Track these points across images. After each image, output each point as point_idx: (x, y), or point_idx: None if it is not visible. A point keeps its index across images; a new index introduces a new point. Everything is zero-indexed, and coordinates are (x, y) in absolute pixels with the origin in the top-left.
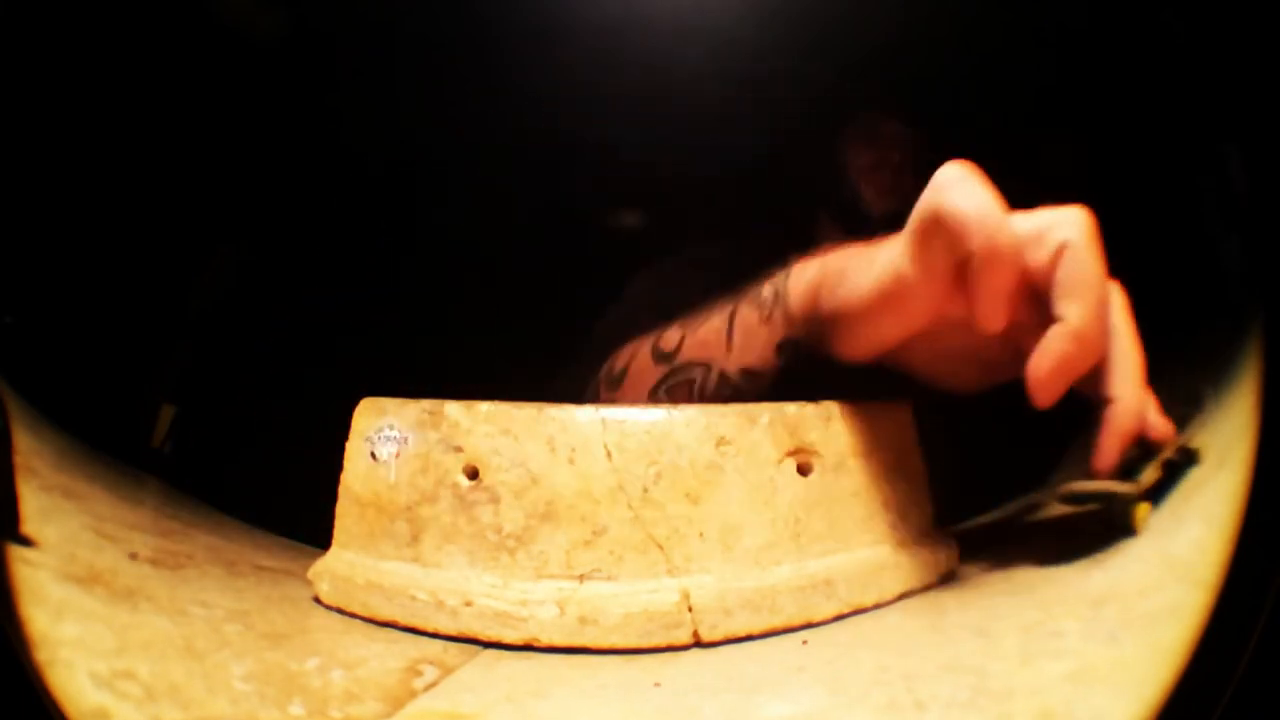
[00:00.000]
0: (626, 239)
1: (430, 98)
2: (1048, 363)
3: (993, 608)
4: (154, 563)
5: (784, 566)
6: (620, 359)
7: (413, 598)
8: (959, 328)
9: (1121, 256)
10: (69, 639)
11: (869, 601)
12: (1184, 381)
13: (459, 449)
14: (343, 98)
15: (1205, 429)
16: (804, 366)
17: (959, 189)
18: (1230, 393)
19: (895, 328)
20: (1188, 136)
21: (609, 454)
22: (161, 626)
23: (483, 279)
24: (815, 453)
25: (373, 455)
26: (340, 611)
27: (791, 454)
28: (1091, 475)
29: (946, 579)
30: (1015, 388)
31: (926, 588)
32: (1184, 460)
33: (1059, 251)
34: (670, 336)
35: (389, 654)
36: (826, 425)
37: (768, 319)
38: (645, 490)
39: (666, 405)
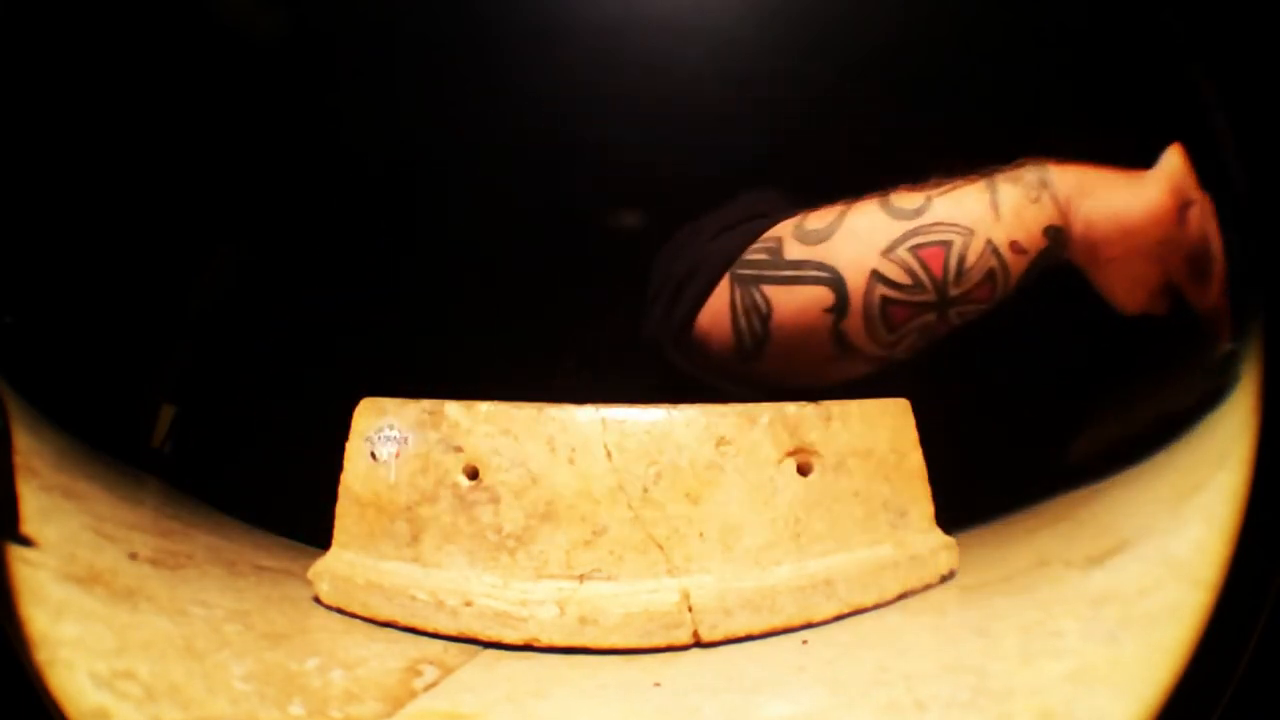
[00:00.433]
0: (626, 239)
1: (430, 98)
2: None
3: (993, 608)
4: (154, 563)
5: (784, 566)
6: (811, 219)
7: (413, 598)
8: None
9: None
10: (69, 639)
11: (869, 601)
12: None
13: (459, 449)
14: (343, 98)
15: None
16: (1047, 271)
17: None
18: (1230, 393)
19: (1152, 251)
20: (1188, 136)
21: (609, 454)
22: (161, 626)
23: (482, 279)
24: (815, 452)
25: (373, 455)
26: (340, 611)
27: (791, 454)
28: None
29: (946, 579)
30: (1015, 388)
31: (926, 587)
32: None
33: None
34: (906, 194)
35: (389, 654)
36: (826, 425)
37: (1036, 199)
38: (645, 490)
39: (666, 405)
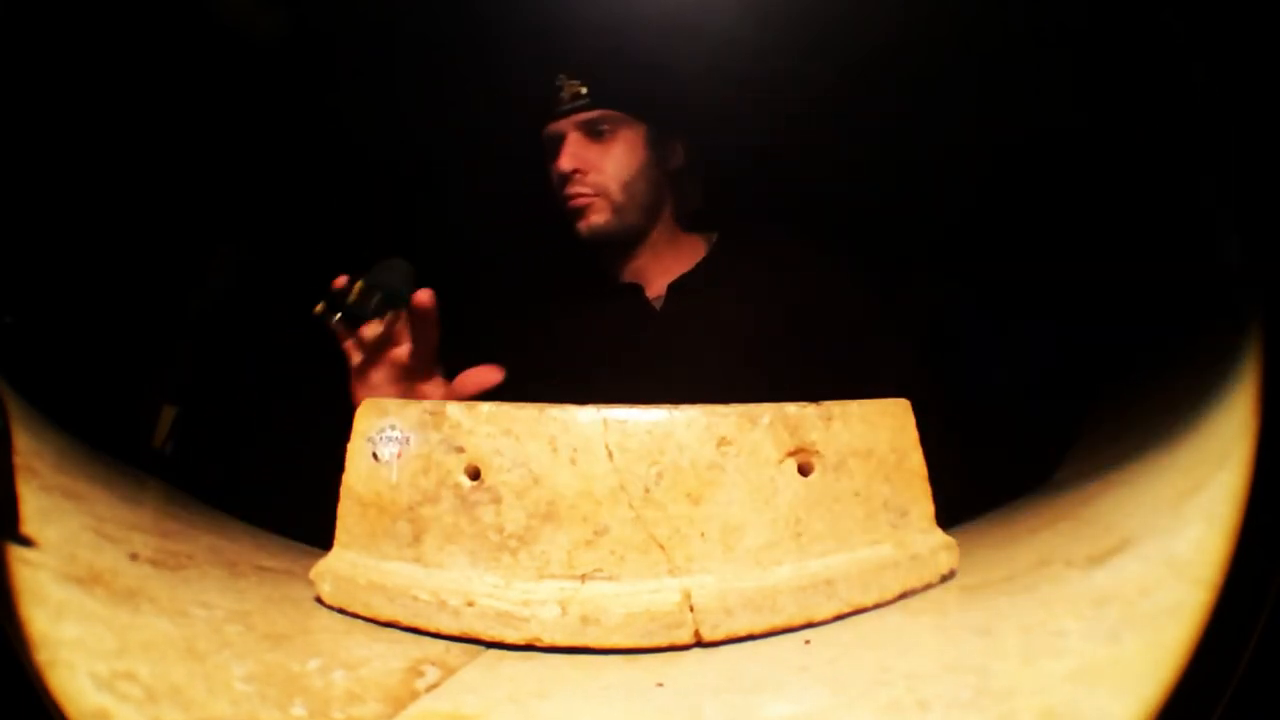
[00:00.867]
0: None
1: (430, 97)
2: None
3: (994, 607)
4: (155, 563)
5: (785, 566)
6: None
7: (415, 598)
8: None
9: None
10: (69, 640)
11: (870, 601)
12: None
13: (461, 449)
14: (343, 98)
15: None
16: None
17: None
18: (1230, 393)
19: None
20: (1189, 136)
21: (610, 454)
22: (162, 627)
23: (483, 279)
24: (816, 453)
25: (374, 456)
26: (342, 612)
27: (792, 454)
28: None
29: (947, 579)
30: (1015, 390)
31: (927, 587)
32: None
33: None
34: None
35: (391, 654)
36: (827, 425)
37: None
38: (647, 490)
39: (668, 405)
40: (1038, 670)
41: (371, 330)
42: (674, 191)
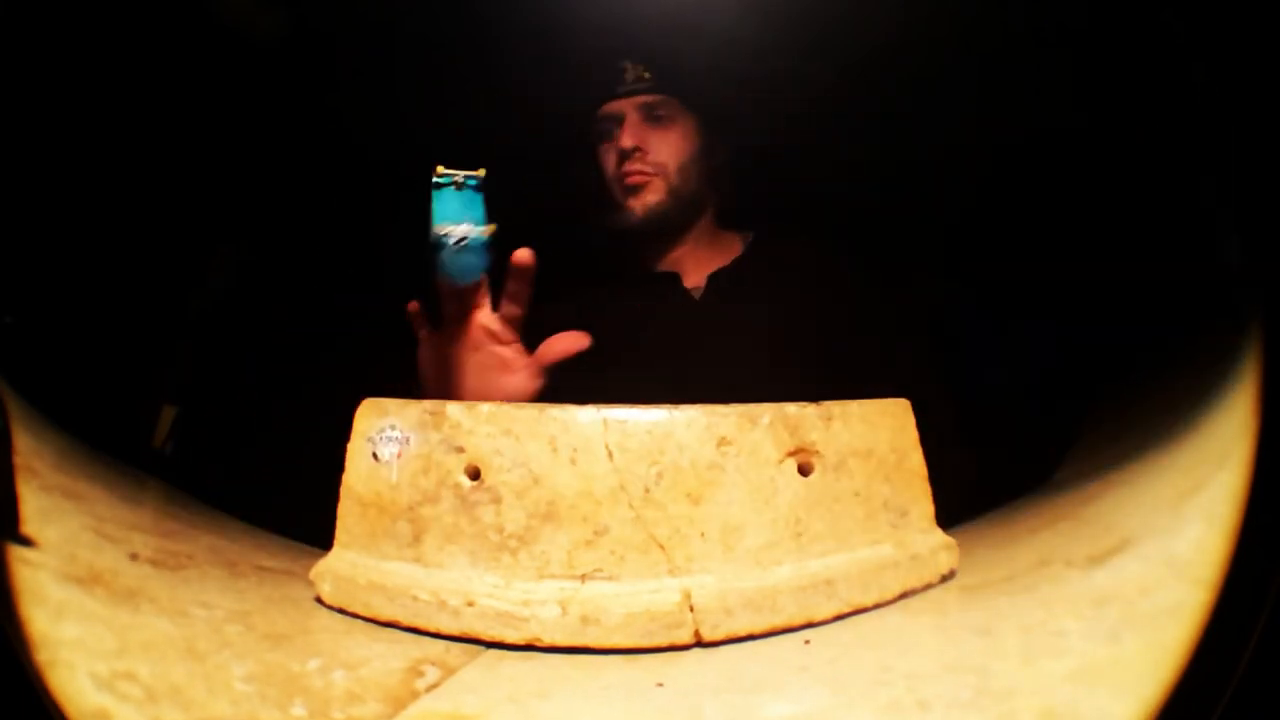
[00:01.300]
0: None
1: (430, 98)
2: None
3: (994, 607)
4: (155, 563)
5: (785, 566)
6: None
7: (415, 598)
8: None
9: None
10: (69, 640)
11: (869, 601)
12: None
13: (460, 449)
14: (343, 98)
15: None
16: None
17: None
18: (1230, 393)
19: None
20: (1189, 136)
21: (610, 454)
22: (162, 627)
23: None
24: (816, 453)
25: (374, 456)
26: (342, 612)
27: (792, 454)
28: None
29: (947, 578)
30: (1015, 390)
31: (927, 587)
32: None
33: None
34: None
35: (391, 654)
36: (827, 425)
37: None
38: (647, 490)
39: (668, 405)
40: (1038, 670)
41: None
42: (715, 186)
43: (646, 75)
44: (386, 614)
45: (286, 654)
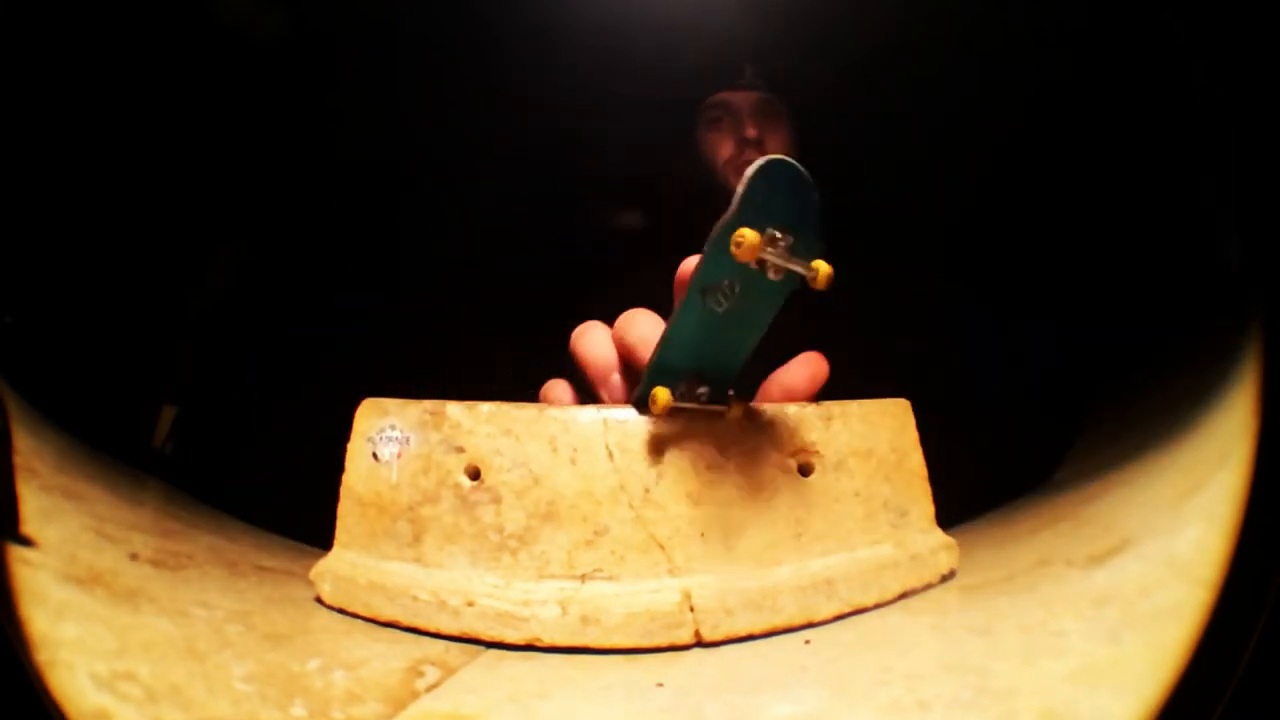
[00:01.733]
0: (627, 238)
1: (430, 98)
2: None
3: (994, 607)
4: (155, 563)
5: (785, 566)
6: None
7: (415, 598)
8: None
9: (1122, 256)
10: (69, 640)
11: (870, 601)
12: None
13: (461, 449)
14: (343, 98)
15: None
16: None
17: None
18: (1230, 393)
19: None
20: (1189, 135)
21: (610, 454)
22: (162, 627)
23: (483, 279)
24: (816, 453)
25: (374, 456)
26: (342, 612)
27: (792, 454)
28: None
29: (947, 578)
30: (1015, 392)
31: (927, 587)
32: None
33: None
34: None
35: (391, 654)
36: (827, 425)
37: None
38: (647, 490)
39: None
40: (1038, 670)
41: None
42: None
43: (759, 76)
44: (386, 614)
45: (287, 654)
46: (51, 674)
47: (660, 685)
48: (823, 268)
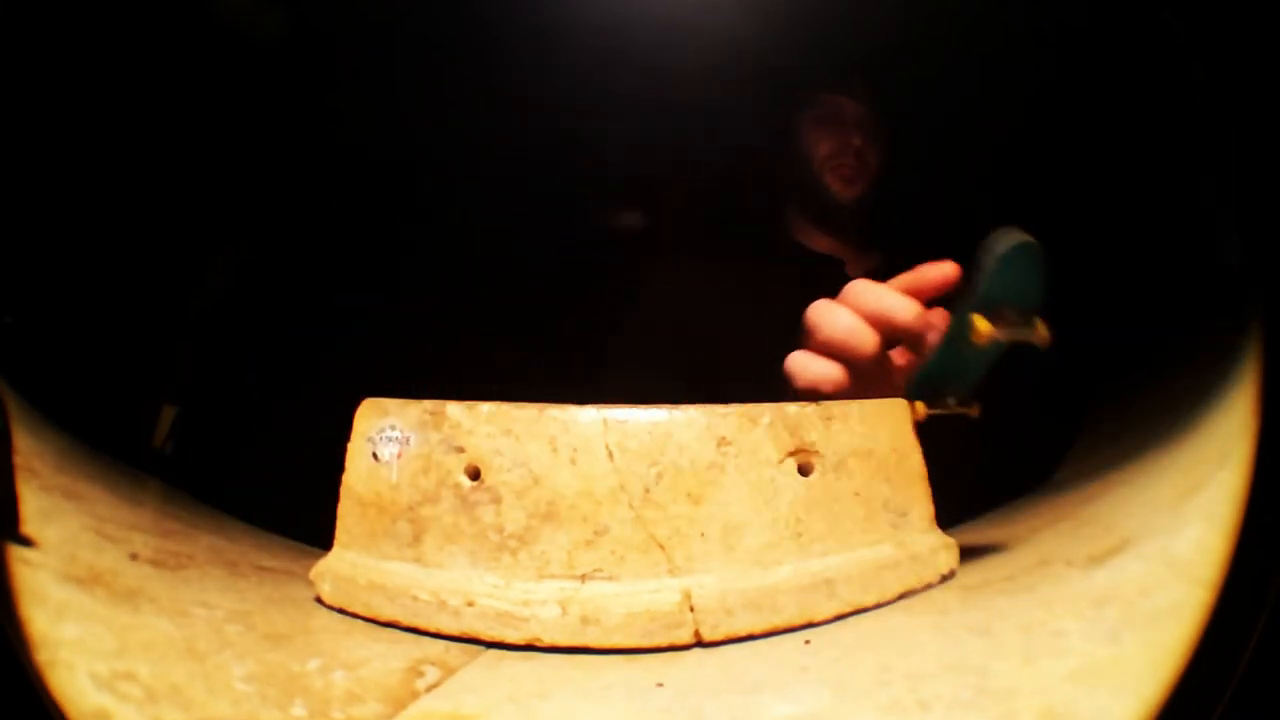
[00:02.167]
0: (628, 238)
1: (431, 99)
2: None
3: (994, 607)
4: (155, 563)
5: (785, 566)
6: None
7: (415, 598)
8: None
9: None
10: (69, 640)
11: (870, 601)
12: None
13: (461, 449)
14: (344, 99)
15: None
16: None
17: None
18: (1230, 393)
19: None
20: (1189, 136)
21: (610, 454)
22: (162, 627)
23: (484, 279)
24: (816, 453)
25: (374, 456)
26: (342, 612)
27: (792, 454)
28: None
29: (947, 579)
30: (1015, 392)
31: (927, 587)
32: None
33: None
34: None
35: (391, 654)
36: (827, 425)
37: None
38: (647, 490)
39: (668, 405)
40: (1038, 670)
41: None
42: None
43: (872, 92)
44: (386, 614)
45: (287, 654)
46: (51, 674)
47: (660, 685)
48: (1042, 328)
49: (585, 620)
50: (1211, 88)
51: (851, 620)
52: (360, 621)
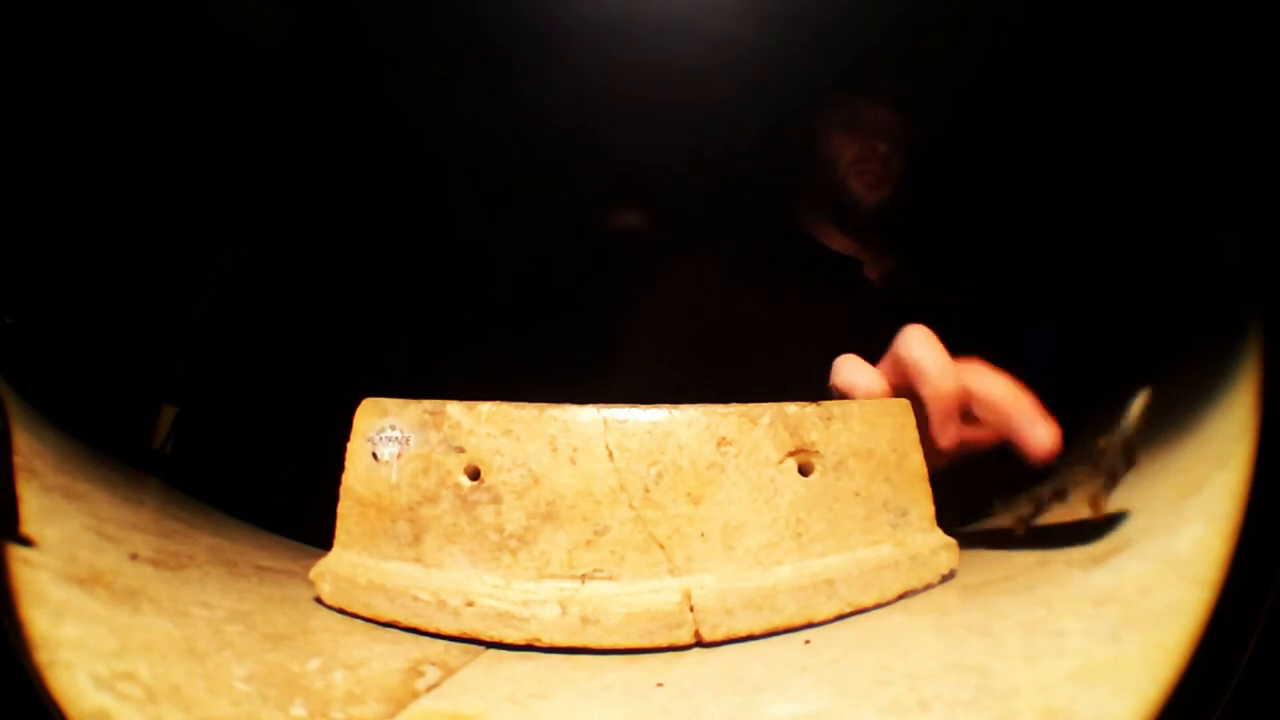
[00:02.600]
0: (628, 238)
1: (433, 100)
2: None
3: (995, 607)
4: (155, 563)
5: (785, 566)
6: None
7: (415, 598)
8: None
9: (1122, 256)
10: (70, 640)
11: (870, 601)
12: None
13: (460, 449)
14: (346, 100)
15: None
16: None
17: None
18: (1230, 393)
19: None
20: (1188, 136)
21: (610, 454)
22: (162, 627)
23: (484, 279)
24: (816, 453)
25: (374, 455)
26: (342, 612)
27: (792, 454)
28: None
29: (947, 578)
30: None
31: (927, 587)
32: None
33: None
34: None
35: (391, 655)
36: (827, 425)
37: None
38: (647, 490)
39: (668, 405)
40: (1038, 670)
41: None
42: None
43: (899, 97)
44: (386, 614)
45: (287, 654)
46: (51, 674)
47: (660, 685)
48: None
49: (585, 620)
50: (1211, 89)
51: (851, 620)
52: (360, 621)
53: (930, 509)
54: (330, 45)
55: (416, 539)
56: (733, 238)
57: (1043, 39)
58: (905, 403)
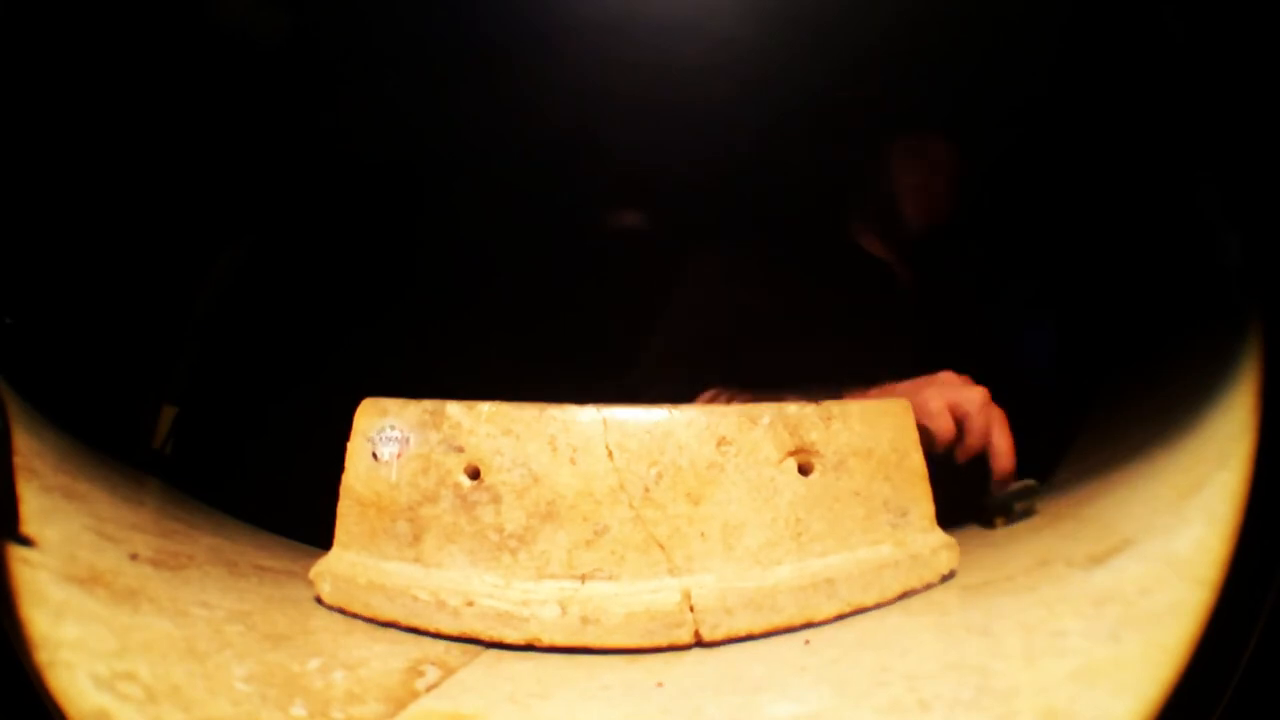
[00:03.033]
0: (628, 238)
1: (434, 100)
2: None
3: (995, 607)
4: (155, 563)
5: (785, 566)
6: None
7: (414, 598)
8: None
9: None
10: (70, 640)
11: (870, 601)
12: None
13: (460, 449)
14: (346, 100)
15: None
16: None
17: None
18: (1230, 393)
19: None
20: (1188, 136)
21: (610, 454)
22: (163, 627)
23: (484, 279)
24: (816, 453)
25: (374, 455)
26: (342, 612)
27: (792, 454)
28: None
29: (947, 578)
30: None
31: (927, 587)
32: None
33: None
34: None
35: (391, 654)
36: (827, 425)
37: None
38: (647, 490)
39: (668, 405)
40: (1039, 670)
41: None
42: None
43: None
44: (386, 614)
45: (287, 654)
46: (51, 674)
47: (660, 685)
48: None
49: (585, 620)
50: (1210, 89)
51: (851, 620)
52: (360, 621)
53: (930, 508)
54: (330, 45)
55: (416, 539)
56: (768, 232)
57: (1043, 39)
58: (905, 403)
